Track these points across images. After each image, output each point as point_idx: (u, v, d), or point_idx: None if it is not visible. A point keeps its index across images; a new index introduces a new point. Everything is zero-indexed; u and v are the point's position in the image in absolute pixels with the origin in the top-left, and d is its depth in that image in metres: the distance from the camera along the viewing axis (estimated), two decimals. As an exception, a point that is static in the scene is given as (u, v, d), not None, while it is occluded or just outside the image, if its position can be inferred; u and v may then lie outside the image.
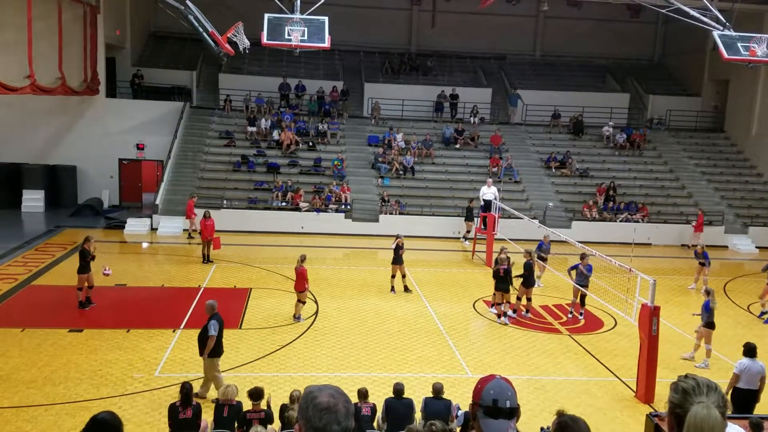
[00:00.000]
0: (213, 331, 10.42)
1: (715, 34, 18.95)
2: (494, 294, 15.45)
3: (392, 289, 17.34)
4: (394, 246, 17.37)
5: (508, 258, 15.53)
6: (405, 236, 23.62)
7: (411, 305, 16.34)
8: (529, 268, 15.58)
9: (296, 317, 14.68)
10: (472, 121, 30.44)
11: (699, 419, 2.19)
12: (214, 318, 10.54)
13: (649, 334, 11.21)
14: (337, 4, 21.26)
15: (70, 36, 23.93)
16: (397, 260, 17.32)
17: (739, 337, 14.83)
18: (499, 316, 15.31)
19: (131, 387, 10.98)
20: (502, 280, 15.08)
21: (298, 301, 14.73)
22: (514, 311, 15.63)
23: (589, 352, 13.67)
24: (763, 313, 16.06)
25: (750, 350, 10.08)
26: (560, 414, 3.93)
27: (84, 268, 14.89)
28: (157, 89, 29.40)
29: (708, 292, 13.32)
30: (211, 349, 10.48)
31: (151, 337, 13.27)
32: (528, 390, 11.54)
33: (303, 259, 14.79)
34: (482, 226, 21.98)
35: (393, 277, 17.47)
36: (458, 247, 24.14)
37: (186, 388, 8.61)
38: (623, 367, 12.80)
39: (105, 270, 15.46)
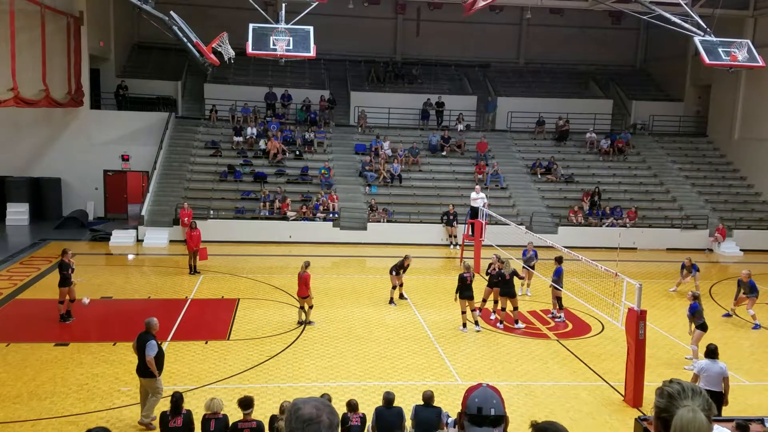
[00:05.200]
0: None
1: (697, 39, 19.21)
2: (461, 301, 15.09)
3: (391, 301, 17.05)
4: (404, 264, 17.10)
5: (499, 263, 15.64)
6: (393, 244, 23.88)
7: (400, 313, 16.33)
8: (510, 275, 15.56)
9: (307, 322, 14.97)
10: (458, 129, 30.58)
11: (685, 422, 2.21)
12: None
13: (636, 338, 11.28)
14: (321, 13, 21.30)
15: (53, 48, 23.83)
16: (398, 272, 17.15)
17: (726, 339, 15.00)
18: (464, 325, 15.12)
19: (119, 401, 10.88)
20: (467, 288, 14.97)
21: (308, 306, 15.00)
22: (516, 321, 15.58)
23: (577, 357, 13.73)
24: (757, 326, 16.18)
25: (710, 351, 10.18)
26: (534, 424, 3.94)
27: (65, 281, 14.72)
28: (141, 100, 29.30)
29: (695, 297, 13.50)
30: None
31: (138, 350, 13.15)
32: (518, 396, 11.56)
33: (307, 265, 15.03)
34: (470, 233, 22.06)
35: (394, 288, 17.18)
36: (446, 254, 24.19)
37: (176, 397, 8.56)
38: (611, 371, 12.87)
39: (84, 300, 15.19)
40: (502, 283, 15.38)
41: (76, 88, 26.04)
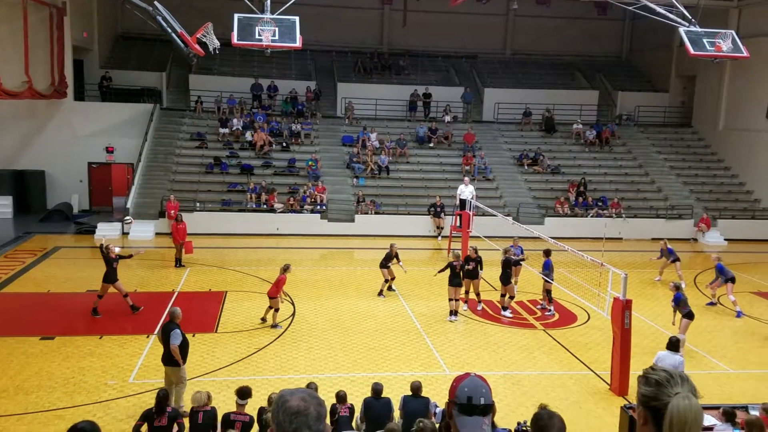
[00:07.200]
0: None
1: (682, 30, 19.31)
2: (449, 289, 15.33)
3: (380, 293, 17.00)
4: (391, 253, 17.04)
5: (475, 252, 15.85)
6: (381, 235, 23.87)
7: (388, 304, 16.36)
8: (506, 264, 15.73)
9: (273, 325, 14.38)
10: (445, 120, 30.56)
11: (682, 410, 2.18)
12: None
13: (622, 327, 11.38)
14: (307, 3, 21.18)
15: (36, 39, 23.52)
16: (386, 265, 17.12)
17: (710, 328, 15.19)
18: (450, 312, 15.27)
19: (105, 394, 10.83)
20: (456, 275, 15.19)
21: (273, 309, 14.36)
22: (505, 308, 15.72)
23: (563, 347, 13.83)
24: (740, 314, 16.36)
25: (671, 344, 10.54)
26: (541, 407, 4.00)
27: (109, 276, 14.58)
28: (126, 91, 29.00)
29: (677, 287, 13.64)
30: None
31: (124, 343, 13.11)
32: (505, 386, 11.64)
33: (286, 268, 14.48)
34: (457, 224, 22.11)
35: (386, 281, 17.12)
36: (434, 245, 24.24)
37: (160, 396, 8.48)
38: (597, 360, 12.98)
39: (126, 220, 15.12)
40: (503, 273, 15.59)
41: (59, 80, 25.72)
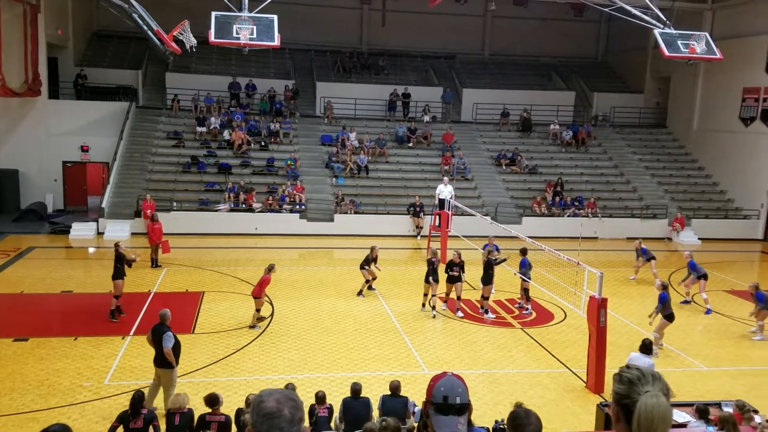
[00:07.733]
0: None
1: (657, 32, 19.59)
2: (425, 285, 15.73)
3: (360, 293, 16.98)
4: (372, 256, 17.07)
5: (459, 257, 15.90)
6: (360, 235, 23.88)
7: (367, 304, 16.36)
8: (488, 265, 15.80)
9: (251, 325, 14.29)
10: (424, 120, 30.63)
11: (649, 407, 2.23)
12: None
13: (598, 326, 11.50)
14: (285, 2, 21.10)
15: (9, 36, 23.12)
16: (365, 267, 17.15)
17: (684, 327, 15.41)
18: (423, 305, 15.70)
19: (80, 396, 10.69)
20: (433, 272, 15.47)
21: (255, 309, 14.32)
22: (486, 310, 15.81)
23: (540, 345, 13.95)
24: (709, 311, 16.63)
25: (644, 346, 10.74)
26: (517, 405, 4.04)
27: (118, 273, 14.45)
28: (101, 89, 28.60)
29: (664, 287, 13.76)
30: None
31: (99, 345, 12.95)
32: (483, 384, 11.71)
33: (270, 268, 14.45)
34: (436, 224, 22.18)
35: (366, 282, 17.12)
36: (413, 244, 24.29)
37: (134, 398, 8.38)
38: (573, 358, 13.11)
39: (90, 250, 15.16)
40: (484, 274, 15.72)
41: (33, 78, 25.29)
